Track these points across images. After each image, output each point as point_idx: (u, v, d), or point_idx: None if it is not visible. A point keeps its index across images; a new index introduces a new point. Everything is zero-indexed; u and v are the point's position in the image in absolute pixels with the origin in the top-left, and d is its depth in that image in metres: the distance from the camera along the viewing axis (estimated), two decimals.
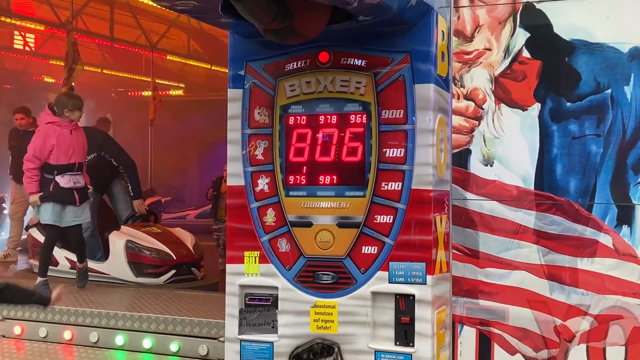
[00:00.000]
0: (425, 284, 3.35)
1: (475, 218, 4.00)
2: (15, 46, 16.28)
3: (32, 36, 16.06)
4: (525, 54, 3.93)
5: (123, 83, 17.95)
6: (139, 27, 14.96)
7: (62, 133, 6.27)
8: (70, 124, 6.34)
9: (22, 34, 15.65)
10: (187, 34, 16.07)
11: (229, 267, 3.67)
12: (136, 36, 15.46)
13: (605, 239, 3.78)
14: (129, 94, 18.14)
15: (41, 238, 7.29)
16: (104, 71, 16.85)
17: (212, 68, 16.62)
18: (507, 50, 3.96)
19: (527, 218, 3.92)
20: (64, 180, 6.24)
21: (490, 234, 3.98)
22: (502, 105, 3.95)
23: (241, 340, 3.64)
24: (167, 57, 16.28)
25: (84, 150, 6.50)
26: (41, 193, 6.19)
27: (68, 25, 11.36)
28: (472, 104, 4.00)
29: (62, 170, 6.24)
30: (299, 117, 3.54)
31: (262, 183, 3.59)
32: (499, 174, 3.96)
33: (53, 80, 15.88)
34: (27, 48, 16.19)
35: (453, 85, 3.94)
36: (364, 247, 3.42)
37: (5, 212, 11.63)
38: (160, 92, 14.89)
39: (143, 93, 17.33)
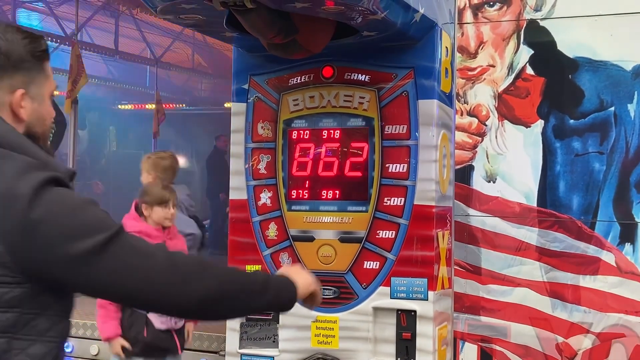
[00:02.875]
0: (427, 300, 3.34)
1: (477, 234, 3.99)
2: None
3: None
4: (529, 70, 3.94)
5: (127, 96, 17.98)
6: (144, 40, 15.00)
7: None
8: (163, 231, 4.38)
9: None
10: (192, 48, 16.11)
11: None
12: (140, 49, 15.50)
13: (608, 257, 3.77)
14: (133, 106, 18.17)
15: None
16: (108, 84, 16.89)
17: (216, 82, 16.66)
18: (510, 67, 3.97)
19: (529, 235, 3.91)
20: (159, 320, 4.28)
21: (493, 250, 3.97)
22: (506, 121, 3.96)
23: (242, 355, 3.62)
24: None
25: None
26: (126, 345, 4.18)
27: (73, 37, 11.39)
28: (475, 120, 4.01)
29: None
30: (302, 132, 3.54)
31: (265, 197, 3.59)
32: (502, 191, 3.96)
33: (57, 93, 15.91)
34: None
35: (457, 102, 3.94)
36: (365, 262, 3.41)
37: None
38: (163, 106, 14.90)
39: (147, 106, 17.35)
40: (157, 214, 4.32)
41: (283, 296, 2.24)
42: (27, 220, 1.74)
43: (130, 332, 4.24)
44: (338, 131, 3.48)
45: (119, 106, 17.54)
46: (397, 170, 3.37)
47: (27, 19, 13.92)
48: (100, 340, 5.31)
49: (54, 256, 1.76)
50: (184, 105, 17.27)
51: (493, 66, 4.00)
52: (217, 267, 2.06)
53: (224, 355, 3.79)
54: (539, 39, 3.93)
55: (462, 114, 4.01)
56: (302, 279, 2.32)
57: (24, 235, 1.74)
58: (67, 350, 5.59)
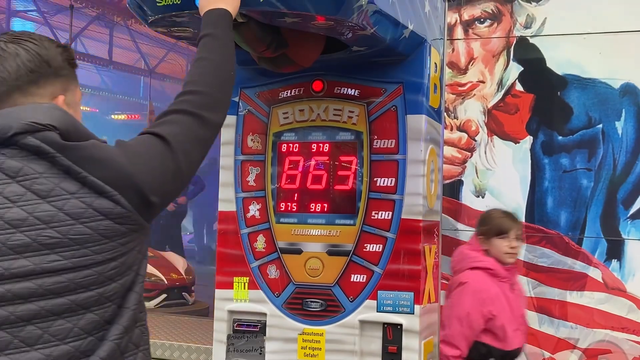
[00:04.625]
0: (413, 313, 3.35)
1: None
2: None
3: None
4: (518, 87, 3.97)
5: (120, 106, 17.99)
6: (138, 51, 15.03)
7: (504, 292, 3.52)
8: (510, 273, 3.56)
9: None
10: (185, 59, 16.14)
11: (218, 293, 3.66)
12: (134, 60, 15.53)
13: (595, 273, 3.79)
14: (126, 117, 18.18)
15: None
16: (102, 94, 16.91)
17: None
18: (500, 83, 4.00)
19: None
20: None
21: None
22: (495, 137, 3.98)
23: None
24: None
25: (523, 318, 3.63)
26: None
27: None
28: (465, 135, 4.03)
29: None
30: (291, 145, 3.55)
31: (254, 209, 3.59)
32: (491, 206, 3.98)
33: None
34: None
35: (447, 117, 3.97)
36: (353, 276, 3.42)
37: None
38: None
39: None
40: (495, 247, 3.53)
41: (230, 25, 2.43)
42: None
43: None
44: (327, 144, 3.50)
45: (112, 116, 17.53)
46: (385, 184, 3.39)
47: (22, 28, 13.93)
48: None
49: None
50: None
51: (483, 82, 4.03)
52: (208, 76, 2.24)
53: None
54: (528, 56, 3.96)
55: (452, 129, 4.03)
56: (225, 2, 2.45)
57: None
58: None
